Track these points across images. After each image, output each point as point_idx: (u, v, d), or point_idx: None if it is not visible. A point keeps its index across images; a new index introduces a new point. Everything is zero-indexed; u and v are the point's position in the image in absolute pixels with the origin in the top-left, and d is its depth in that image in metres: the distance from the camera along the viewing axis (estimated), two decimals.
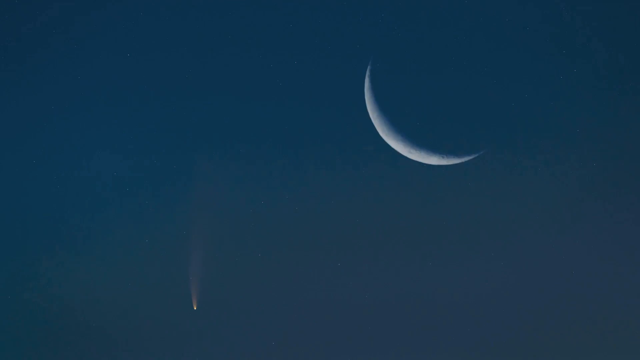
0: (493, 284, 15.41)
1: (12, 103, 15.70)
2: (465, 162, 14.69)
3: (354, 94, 15.00)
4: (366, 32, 15.09)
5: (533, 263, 15.40)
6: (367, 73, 14.69)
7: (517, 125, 14.99)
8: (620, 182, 15.29)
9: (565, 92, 15.07)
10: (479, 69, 14.54)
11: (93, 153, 15.70)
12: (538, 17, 14.87)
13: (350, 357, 15.57)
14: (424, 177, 15.25)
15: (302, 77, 15.51)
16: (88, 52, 15.55)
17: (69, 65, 15.57)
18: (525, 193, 15.33)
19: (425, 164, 14.67)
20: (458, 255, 15.51)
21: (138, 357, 15.64)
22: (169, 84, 15.63)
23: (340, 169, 15.62)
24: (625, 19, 15.02)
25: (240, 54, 15.53)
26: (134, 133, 15.78)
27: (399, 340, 15.61)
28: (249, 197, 15.65)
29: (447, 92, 14.22)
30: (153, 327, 15.65)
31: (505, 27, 14.76)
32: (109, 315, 15.65)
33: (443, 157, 14.43)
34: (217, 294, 15.66)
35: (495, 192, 15.38)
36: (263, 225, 15.65)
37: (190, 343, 15.67)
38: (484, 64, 14.58)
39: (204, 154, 15.69)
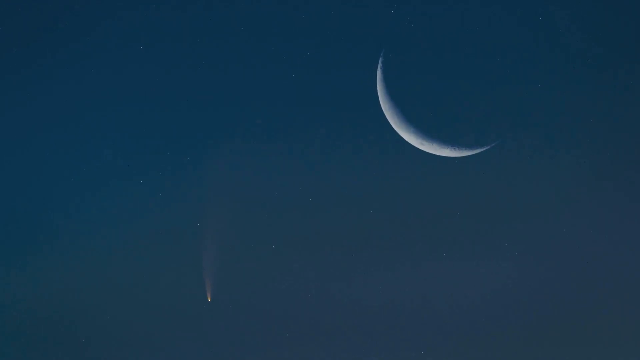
0: (506, 275, 15.45)
1: (29, 97, 15.85)
2: (478, 153, 14.67)
3: (366, 85, 14.99)
4: (378, 24, 15.06)
5: (547, 254, 15.43)
6: (379, 65, 14.66)
7: (529, 116, 14.96)
8: (634, 172, 15.25)
9: (578, 83, 15.00)
10: (491, 60, 14.48)
11: (107, 147, 15.82)
12: (551, 8, 14.77)
13: (365, 349, 15.69)
14: (436, 169, 15.26)
15: (315, 68, 15.52)
16: (102, 47, 15.65)
17: (84, 61, 15.68)
18: (538, 184, 15.32)
19: (437, 155, 14.66)
20: (471, 246, 15.54)
21: (153, 349, 15.81)
22: (181, 78, 15.69)
23: (352, 161, 15.66)
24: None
25: (253, 45, 15.55)
26: (148, 126, 15.88)
27: (414, 331, 15.70)
28: (262, 189, 15.72)
29: (459, 84, 14.18)
30: (168, 319, 15.79)
31: (519, 18, 14.68)
32: (124, 307, 15.81)
33: (455, 149, 14.41)
34: (232, 286, 15.79)
35: (507, 184, 15.38)
36: (276, 217, 15.74)
37: (205, 335, 15.80)
38: (497, 56, 14.53)
39: (217, 147, 15.76)
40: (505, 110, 14.60)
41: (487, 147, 14.57)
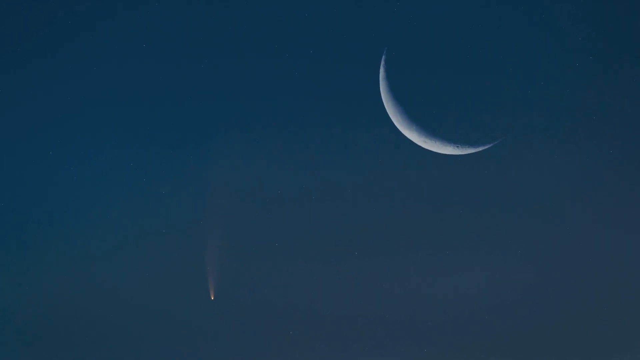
0: (509, 272, 15.49)
1: (31, 96, 15.85)
2: (480, 151, 14.68)
3: (369, 84, 14.99)
4: (381, 22, 15.06)
5: (550, 251, 15.48)
6: (382, 63, 14.65)
7: (532, 114, 14.96)
8: (637, 169, 15.27)
9: (580, 80, 15.01)
10: (494, 58, 14.48)
11: (110, 145, 15.84)
12: (554, 6, 14.78)
13: (368, 347, 15.71)
14: (438, 167, 15.29)
15: (318, 67, 15.52)
16: (104, 45, 15.63)
17: (86, 59, 15.67)
18: (541, 182, 15.34)
19: (440, 153, 14.67)
20: (474, 244, 15.58)
21: (156, 347, 15.83)
22: (184, 77, 15.70)
23: (355, 159, 15.67)
24: None
25: (256, 44, 15.55)
26: (150, 125, 15.88)
27: (417, 329, 15.73)
28: (265, 188, 15.74)
29: (462, 82, 14.17)
30: (171, 317, 15.83)
31: (521, 16, 14.68)
32: (126, 306, 15.83)
33: (458, 147, 14.41)
34: (235, 283, 15.82)
35: (510, 182, 15.39)
36: (279, 216, 15.76)
37: (208, 333, 15.83)
38: (499, 54, 14.52)
39: (220, 145, 15.77)
40: (508, 108, 14.61)
41: (490, 145, 14.57)
